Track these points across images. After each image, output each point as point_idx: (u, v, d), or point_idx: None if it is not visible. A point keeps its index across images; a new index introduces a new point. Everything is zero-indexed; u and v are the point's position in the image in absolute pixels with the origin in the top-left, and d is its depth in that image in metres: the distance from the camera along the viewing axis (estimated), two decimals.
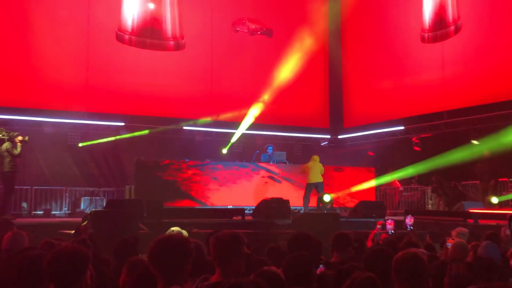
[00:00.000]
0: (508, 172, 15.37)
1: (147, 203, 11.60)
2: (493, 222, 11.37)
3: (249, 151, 17.76)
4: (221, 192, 15.51)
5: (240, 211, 12.65)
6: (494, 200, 13.78)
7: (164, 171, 15.11)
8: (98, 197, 15.85)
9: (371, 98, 19.71)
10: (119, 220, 9.77)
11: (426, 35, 17.77)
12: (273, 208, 12.39)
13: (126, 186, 15.42)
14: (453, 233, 7.60)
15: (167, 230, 6.90)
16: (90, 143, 16.41)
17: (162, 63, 17.85)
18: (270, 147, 16.82)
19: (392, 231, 8.16)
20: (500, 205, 14.42)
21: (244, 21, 19.31)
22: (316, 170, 15.02)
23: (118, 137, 16.71)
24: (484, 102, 15.61)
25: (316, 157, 15.34)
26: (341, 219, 12.22)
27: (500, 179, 15.28)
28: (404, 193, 18.08)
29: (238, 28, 19.20)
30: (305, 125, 20.35)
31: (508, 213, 12.22)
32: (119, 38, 17.38)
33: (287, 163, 17.01)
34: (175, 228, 6.92)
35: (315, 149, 20.64)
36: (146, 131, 17.02)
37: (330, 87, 21.23)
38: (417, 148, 17.81)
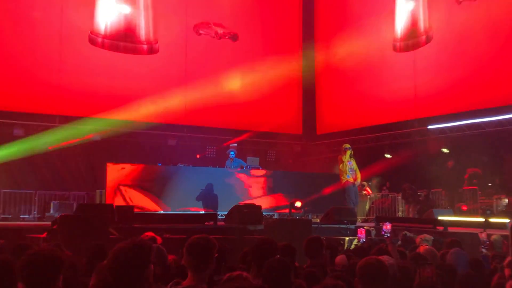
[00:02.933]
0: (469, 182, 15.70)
1: (117, 207, 11.49)
2: (462, 229, 11.55)
3: (222, 157, 17.71)
4: (194, 197, 15.40)
5: (212, 216, 12.62)
6: (464, 208, 14.00)
7: (136, 175, 14.98)
8: (68, 201, 15.63)
9: (344, 105, 19.90)
10: (89, 224, 9.69)
11: (398, 44, 18.02)
12: (245, 213, 12.37)
13: (97, 191, 15.26)
14: (417, 239, 7.70)
15: (137, 235, 6.90)
16: (60, 146, 16.19)
17: (136, 67, 17.77)
18: (232, 152, 16.61)
19: (364, 240, 8.20)
20: (469, 212, 14.65)
21: (209, 25, 19.21)
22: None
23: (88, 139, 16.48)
24: (454, 111, 15.88)
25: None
26: (313, 225, 12.26)
27: (465, 187, 15.57)
28: (375, 199, 18.22)
29: (201, 31, 19.06)
30: (278, 131, 20.39)
31: (476, 221, 12.46)
32: (92, 41, 17.25)
33: (260, 168, 17.01)
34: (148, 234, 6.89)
35: (288, 155, 20.75)
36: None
37: (304, 94, 21.34)
38: (388, 155, 18.00)
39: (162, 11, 18.38)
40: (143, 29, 18.09)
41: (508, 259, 4.77)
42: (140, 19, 18.03)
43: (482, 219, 12.33)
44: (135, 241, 3.30)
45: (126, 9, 17.84)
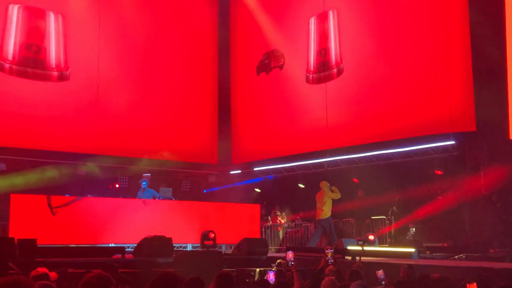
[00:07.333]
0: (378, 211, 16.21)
1: (19, 241, 10.95)
2: (370, 260, 11.80)
3: (134, 187, 17.34)
4: (103, 228, 14.92)
5: (120, 249, 12.25)
6: (371, 237, 14.34)
7: (42, 206, 14.34)
8: None
9: (259, 135, 20.03)
10: None
11: (310, 76, 18.40)
12: (155, 246, 12.11)
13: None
14: (326, 271, 7.80)
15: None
16: None
17: (46, 94, 17.20)
18: (144, 182, 16.33)
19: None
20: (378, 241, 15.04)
21: None
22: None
23: None
24: (362, 142, 16.33)
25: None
26: (224, 257, 12.17)
27: (373, 217, 16.03)
28: (288, 230, 18.38)
29: None
30: (193, 161, 20.20)
31: (382, 250, 12.80)
32: None
33: (173, 199, 16.78)
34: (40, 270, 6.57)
35: (202, 185, 20.62)
36: None
37: (219, 123, 21.31)
38: (301, 185, 18.26)
39: (73, 36, 17.88)
40: (53, 55, 17.53)
41: None
42: (51, 45, 17.49)
43: (392, 249, 12.73)
44: (11, 279, 3.08)
45: (37, 34, 17.30)
